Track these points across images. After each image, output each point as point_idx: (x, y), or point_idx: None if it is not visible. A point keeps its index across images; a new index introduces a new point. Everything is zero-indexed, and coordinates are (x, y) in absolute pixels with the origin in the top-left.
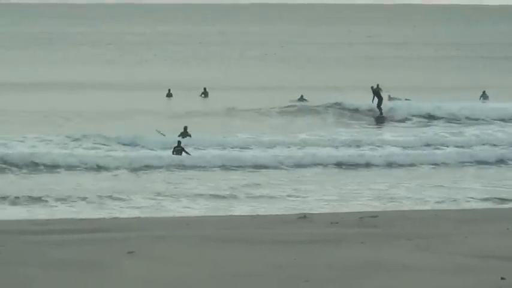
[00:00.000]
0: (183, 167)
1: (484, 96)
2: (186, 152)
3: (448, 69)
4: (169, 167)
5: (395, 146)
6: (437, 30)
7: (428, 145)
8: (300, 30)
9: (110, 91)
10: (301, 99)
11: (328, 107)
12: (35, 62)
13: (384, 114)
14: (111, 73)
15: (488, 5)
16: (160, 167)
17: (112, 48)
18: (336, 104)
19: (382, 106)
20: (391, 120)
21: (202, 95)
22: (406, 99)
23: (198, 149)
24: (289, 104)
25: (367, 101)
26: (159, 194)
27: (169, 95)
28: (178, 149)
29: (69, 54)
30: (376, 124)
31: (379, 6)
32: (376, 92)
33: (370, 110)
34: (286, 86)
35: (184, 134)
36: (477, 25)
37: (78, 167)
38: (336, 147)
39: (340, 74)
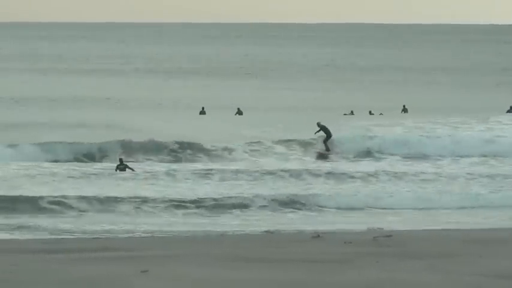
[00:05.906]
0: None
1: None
2: (131, 169)
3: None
4: None
5: None
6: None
7: None
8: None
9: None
10: (351, 113)
11: None
12: None
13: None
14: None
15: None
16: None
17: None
18: None
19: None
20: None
21: (237, 114)
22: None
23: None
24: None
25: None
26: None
27: (202, 112)
28: (122, 166)
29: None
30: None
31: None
32: (323, 127)
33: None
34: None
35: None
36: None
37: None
38: None
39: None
